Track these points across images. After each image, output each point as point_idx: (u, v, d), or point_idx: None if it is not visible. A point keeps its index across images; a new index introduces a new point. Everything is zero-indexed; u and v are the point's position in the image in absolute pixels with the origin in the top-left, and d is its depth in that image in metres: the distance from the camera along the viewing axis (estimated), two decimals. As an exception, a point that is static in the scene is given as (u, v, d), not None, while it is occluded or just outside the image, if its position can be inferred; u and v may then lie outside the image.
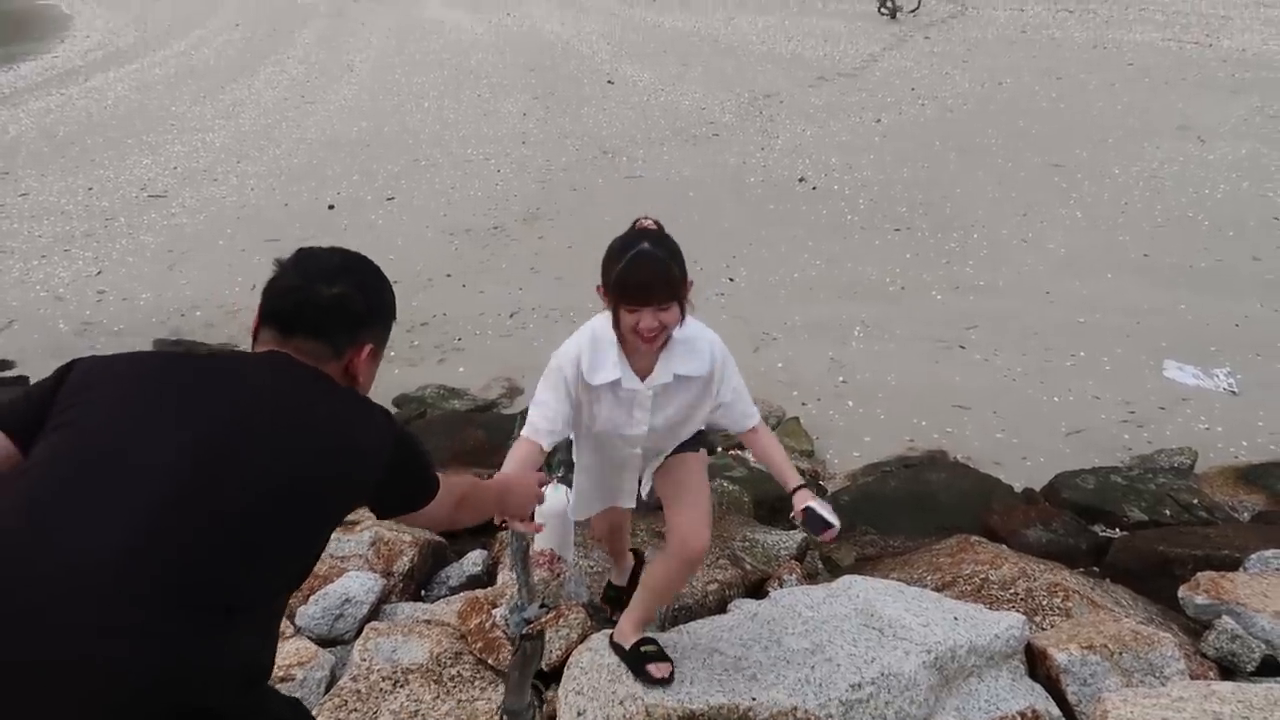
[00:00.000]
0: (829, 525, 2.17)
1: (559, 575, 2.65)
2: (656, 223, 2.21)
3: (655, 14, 20.63)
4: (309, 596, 2.80)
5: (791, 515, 2.24)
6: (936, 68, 14.31)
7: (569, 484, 2.55)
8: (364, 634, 2.55)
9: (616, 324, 2.15)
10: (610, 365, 2.22)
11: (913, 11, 18.87)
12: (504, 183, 9.06)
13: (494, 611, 2.51)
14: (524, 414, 2.59)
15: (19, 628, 1.19)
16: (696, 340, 2.28)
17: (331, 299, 1.55)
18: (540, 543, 2.44)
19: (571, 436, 2.44)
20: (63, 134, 11.87)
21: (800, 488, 2.27)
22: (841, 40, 16.89)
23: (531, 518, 2.09)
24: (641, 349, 2.19)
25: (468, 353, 5.76)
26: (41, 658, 1.18)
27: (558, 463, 2.64)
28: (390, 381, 5.16)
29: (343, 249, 1.67)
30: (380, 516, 1.63)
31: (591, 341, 2.23)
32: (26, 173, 10.11)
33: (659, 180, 8.95)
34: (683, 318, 2.15)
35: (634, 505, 2.52)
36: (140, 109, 13.15)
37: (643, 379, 2.25)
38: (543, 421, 2.21)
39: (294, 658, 2.41)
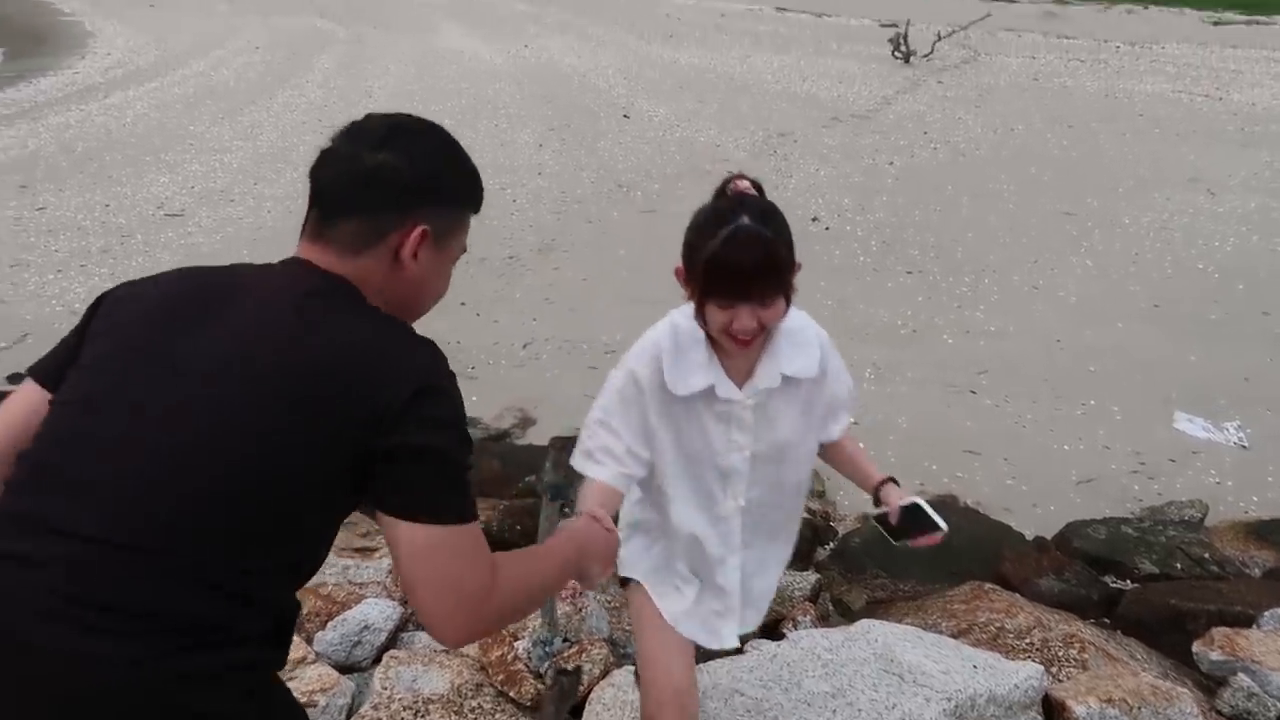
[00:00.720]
0: (935, 528, 1.77)
1: (581, 609, 2.67)
2: (755, 184, 1.71)
3: (671, 50, 20.88)
4: (327, 622, 2.82)
5: (878, 515, 1.84)
6: (949, 112, 14.46)
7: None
8: (384, 662, 2.56)
9: (702, 320, 1.67)
10: (700, 368, 1.71)
11: (926, 56, 19.10)
12: (519, 213, 9.15)
13: (516, 644, 2.52)
14: (557, 442, 2.51)
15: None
16: (803, 330, 1.79)
17: (375, 166, 1.31)
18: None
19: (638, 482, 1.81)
20: (81, 150, 11.98)
21: (889, 480, 1.88)
22: (855, 82, 17.09)
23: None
24: (734, 351, 1.70)
25: (481, 381, 5.79)
26: (15, 661, 1.13)
27: (547, 485, 2.48)
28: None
29: (409, 114, 1.41)
30: (372, 504, 1.22)
31: (674, 336, 1.73)
32: (44, 187, 10.20)
33: (674, 215, 9.03)
34: (788, 309, 1.68)
35: (733, 624, 1.89)
36: (159, 127, 13.29)
37: (741, 385, 1.75)
38: (610, 458, 1.71)
39: (316, 684, 2.42)
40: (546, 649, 2.47)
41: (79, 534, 1.16)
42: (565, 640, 2.53)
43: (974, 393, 5.70)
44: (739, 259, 1.59)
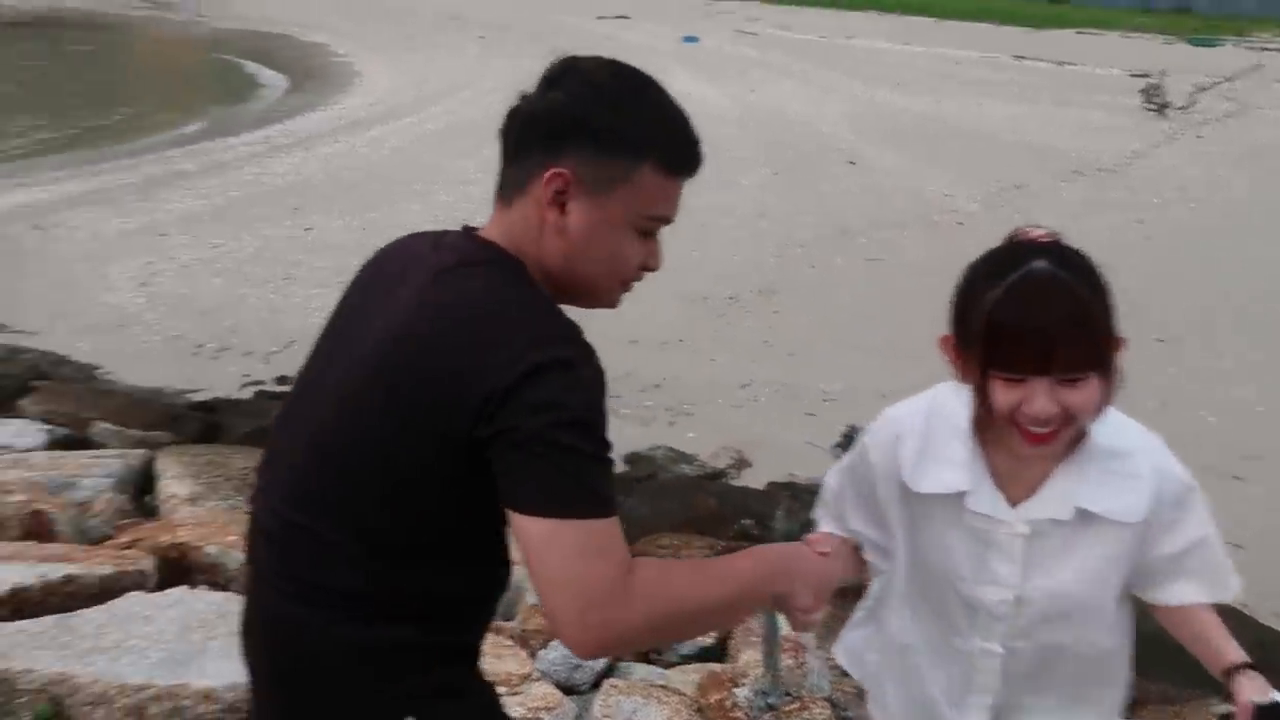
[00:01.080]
0: None
1: (802, 664, 2.59)
2: (1053, 234, 1.33)
3: (901, 97, 20.49)
4: (549, 641, 2.88)
5: (1233, 713, 1.38)
6: (1210, 169, 13.30)
7: None
8: (604, 689, 2.58)
9: (982, 401, 1.26)
10: (953, 465, 1.33)
11: (1183, 108, 17.69)
12: (741, 254, 9.20)
13: (736, 690, 2.48)
14: (788, 490, 2.53)
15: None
16: (1130, 455, 1.34)
17: (541, 106, 1.23)
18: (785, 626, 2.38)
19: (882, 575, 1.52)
20: (345, 177, 13.19)
21: (1245, 666, 1.37)
22: (1101, 134, 16.07)
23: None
24: (1025, 450, 1.28)
25: (697, 419, 5.82)
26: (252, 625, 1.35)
27: (781, 532, 2.47)
28: (621, 439, 5.30)
29: (604, 56, 1.31)
30: (502, 501, 1.14)
31: (928, 416, 1.38)
32: (313, 210, 11.31)
33: (900, 265, 8.79)
34: (1108, 401, 1.28)
35: None
36: (412, 160, 14.44)
37: (1015, 502, 1.33)
38: (827, 517, 1.52)
39: (541, 701, 2.48)
40: (768, 700, 2.41)
41: (279, 512, 1.28)
42: (787, 694, 2.45)
43: (1239, 479, 5.13)
44: (1031, 312, 1.22)
